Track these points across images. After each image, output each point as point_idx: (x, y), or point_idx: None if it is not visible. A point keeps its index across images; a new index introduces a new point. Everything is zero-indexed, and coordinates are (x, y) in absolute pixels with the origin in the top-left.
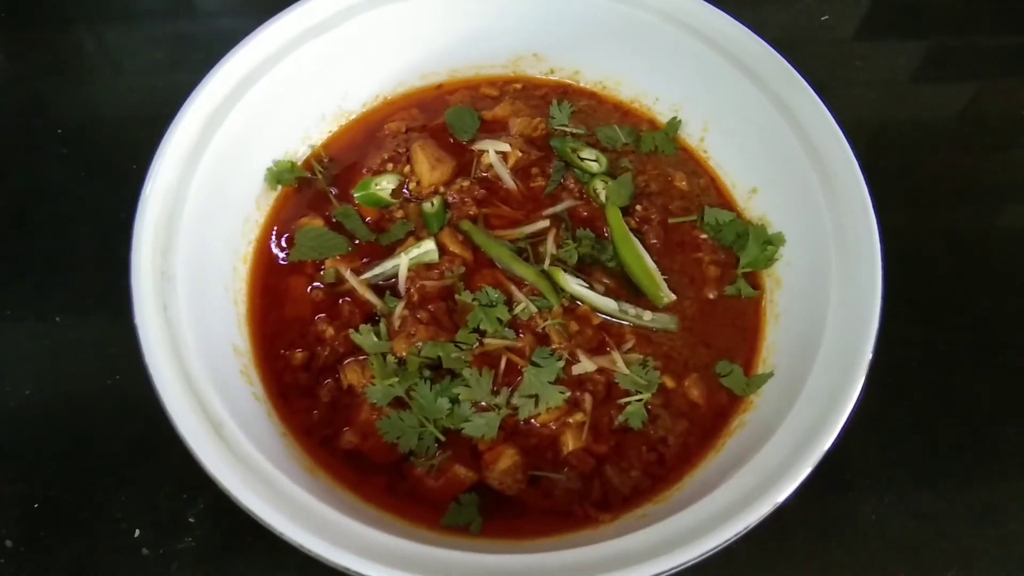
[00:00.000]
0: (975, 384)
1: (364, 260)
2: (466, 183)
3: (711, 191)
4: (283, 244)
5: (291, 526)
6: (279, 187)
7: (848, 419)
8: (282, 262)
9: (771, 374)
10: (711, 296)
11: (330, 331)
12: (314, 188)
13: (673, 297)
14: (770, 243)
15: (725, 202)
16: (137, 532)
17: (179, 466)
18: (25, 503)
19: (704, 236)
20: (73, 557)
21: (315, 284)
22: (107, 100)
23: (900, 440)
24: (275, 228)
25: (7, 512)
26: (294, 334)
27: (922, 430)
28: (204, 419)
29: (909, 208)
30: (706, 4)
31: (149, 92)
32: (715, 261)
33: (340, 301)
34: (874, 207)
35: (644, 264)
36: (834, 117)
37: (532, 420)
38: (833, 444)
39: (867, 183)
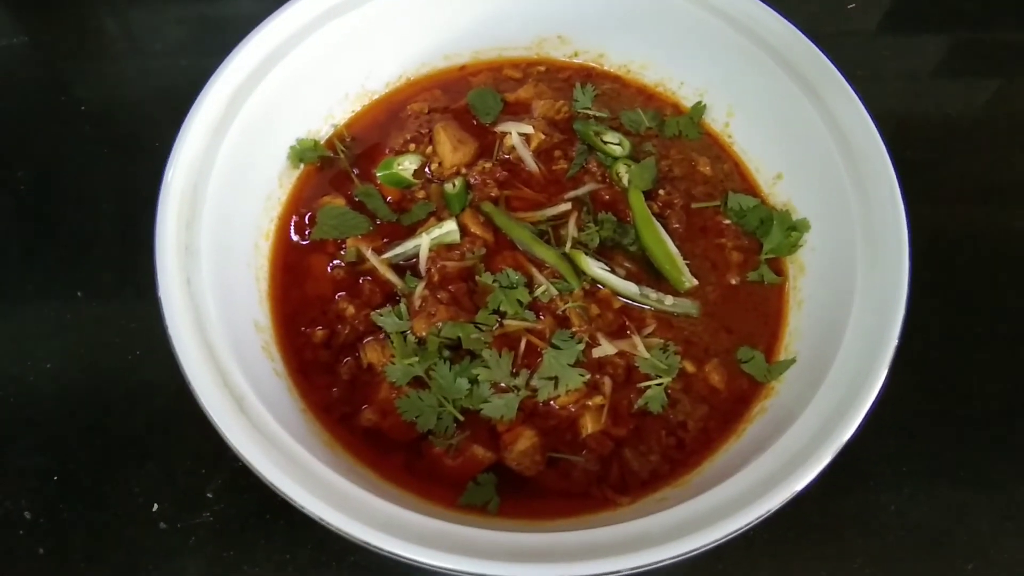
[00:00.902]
0: (997, 377)
1: (385, 240)
2: (488, 165)
3: (735, 176)
4: (305, 222)
5: (312, 499)
6: (302, 165)
7: (869, 408)
8: (304, 240)
9: (793, 360)
10: (733, 282)
11: (351, 310)
12: (336, 167)
13: (695, 282)
14: (794, 229)
15: (749, 187)
16: (155, 506)
17: (198, 441)
18: (44, 475)
19: (727, 221)
20: (91, 530)
21: (336, 263)
22: (130, 80)
23: (921, 431)
24: (297, 206)
25: (26, 484)
26: (315, 312)
27: (944, 422)
28: (226, 393)
29: (931, 202)
30: None
31: (172, 72)
32: (738, 247)
33: (361, 280)
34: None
35: (666, 248)
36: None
37: (551, 402)
38: (854, 433)
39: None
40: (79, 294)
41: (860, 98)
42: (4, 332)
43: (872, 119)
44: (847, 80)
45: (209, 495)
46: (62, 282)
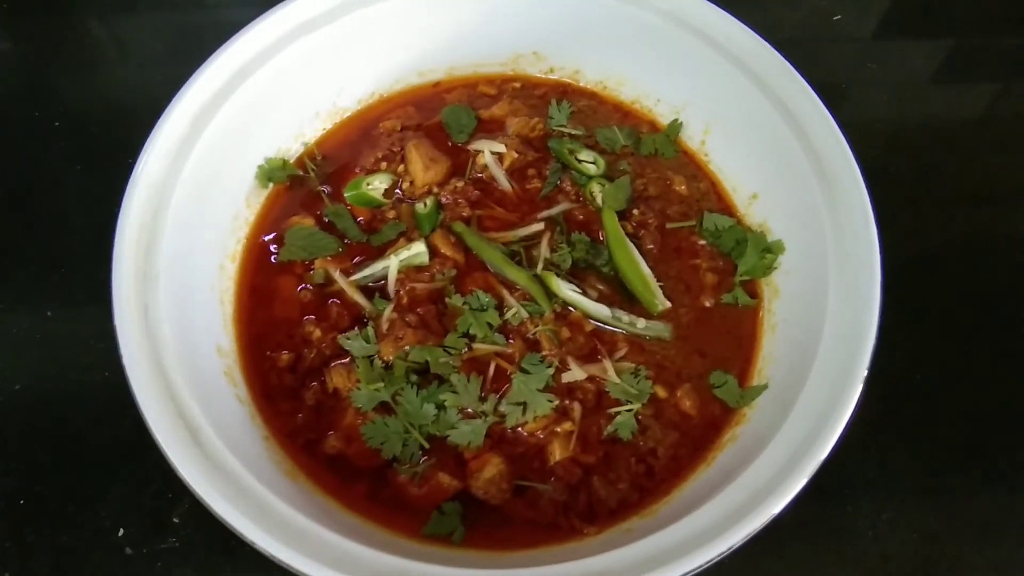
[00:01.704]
0: (981, 396)
1: (355, 261)
2: (460, 184)
3: (711, 196)
4: (273, 243)
5: (261, 534)
6: (271, 185)
7: (846, 430)
8: (272, 261)
9: (766, 386)
10: (707, 304)
11: (317, 333)
12: (306, 186)
13: (668, 304)
14: (769, 251)
15: (725, 207)
16: (121, 531)
17: (165, 466)
18: (11, 498)
19: (702, 242)
20: (56, 554)
21: (304, 285)
22: (108, 91)
23: (901, 453)
24: (265, 227)
25: None
26: (281, 335)
27: (924, 443)
28: (180, 423)
29: (922, 212)
30: (710, 4)
31: (150, 84)
32: (713, 268)
33: (329, 302)
34: (885, 211)
35: (639, 270)
36: (838, 120)
37: (519, 428)
38: (829, 457)
39: (879, 186)
40: (49, 313)
41: (846, 112)
42: None
43: (852, 136)
44: (826, 96)
45: (176, 520)
46: (32, 300)
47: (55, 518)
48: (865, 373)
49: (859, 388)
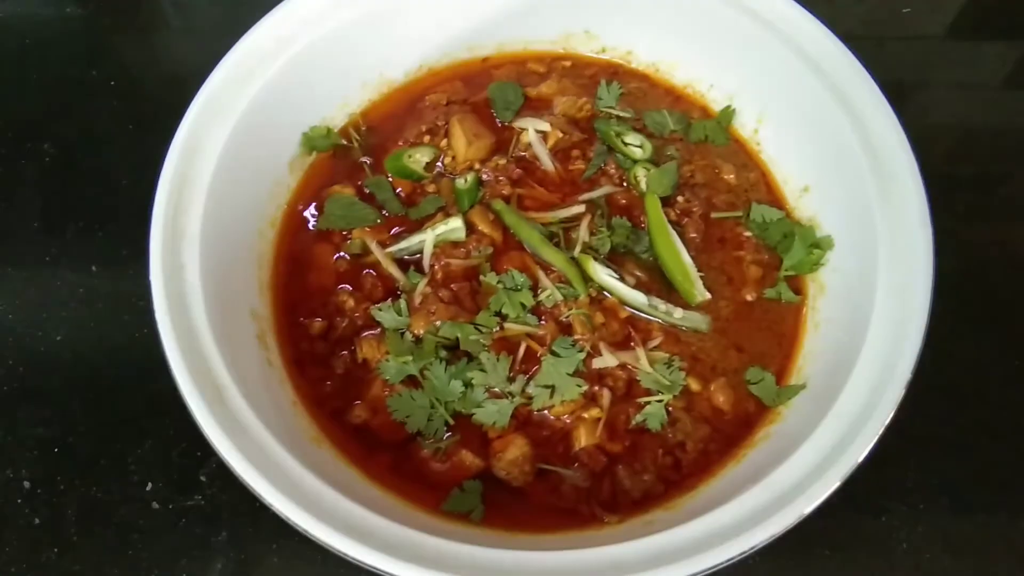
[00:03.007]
0: None
1: (392, 233)
2: (503, 161)
3: (760, 186)
4: (313, 211)
5: (280, 497)
6: (314, 153)
7: (885, 438)
8: (310, 229)
9: (803, 386)
10: (749, 298)
11: (351, 303)
12: (349, 156)
13: (708, 296)
14: (817, 246)
15: (775, 199)
16: (149, 485)
17: (195, 425)
18: (46, 446)
19: (748, 234)
20: (85, 504)
21: (341, 254)
22: (163, 55)
23: (942, 465)
24: (306, 194)
25: (28, 453)
26: (315, 303)
27: (967, 456)
28: (209, 383)
29: (981, 221)
30: None
31: (205, 49)
32: (757, 261)
33: (364, 273)
34: (945, 217)
35: (680, 259)
36: (902, 120)
37: (546, 411)
38: (865, 464)
39: (941, 191)
40: (93, 268)
41: (910, 112)
42: (20, 301)
43: (913, 136)
44: (891, 93)
45: (203, 478)
46: (78, 255)
47: (86, 468)
48: (908, 379)
49: (900, 393)
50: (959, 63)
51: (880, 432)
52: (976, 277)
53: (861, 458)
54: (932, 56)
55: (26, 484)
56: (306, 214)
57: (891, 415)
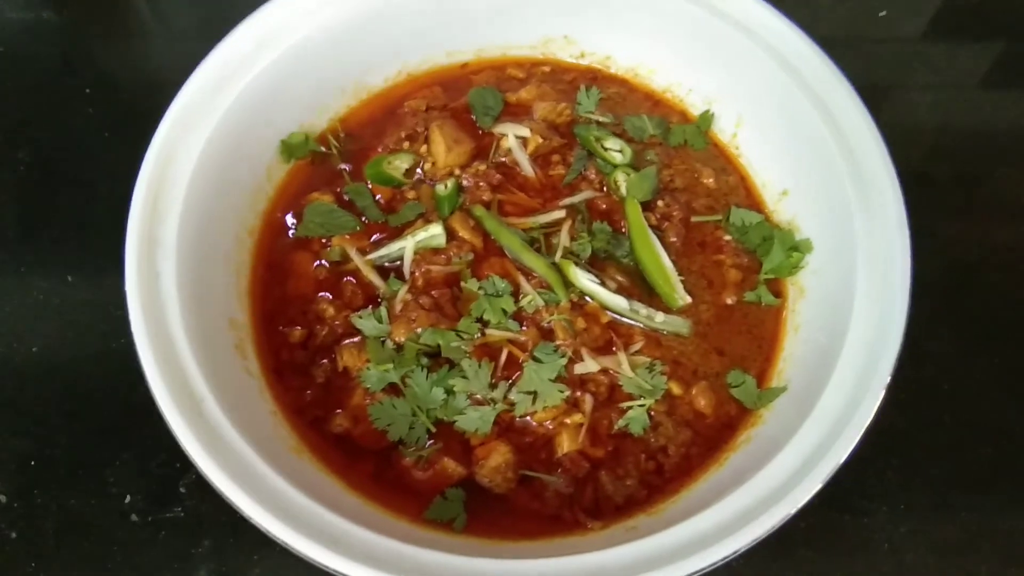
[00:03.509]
0: (1011, 411)
1: (372, 240)
2: (483, 167)
3: (740, 190)
4: (292, 218)
5: (259, 509)
6: (292, 160)
7: (866, 439)
8: (289, 237)
9: (785, 388)
10: (729, 301)
11: (331, 310)
12: (328, 163)
13: (688, 300)
14: (796, 249)
15: (754, 203)
16: (128, 498)
17: (173, 436)
18: (22, 459)
19: (728, 237)
20: (63, 517)
21: (320, 261)
22: (140, 61)
23: (923, 466)
24: (285, 202)
25: (4, 466)
26: (294, 311)
27: (949, 457)
28: (186, 394)
29: (962, 220)
30: None
31: (183, 55)
32: (737, 265)
33: (344, 280)
34: (923, 218)
35: (660, 263)
36: (879, 122)
37: (528, 417)
38: (847, 465)
39: (919, 192)
40: (70, 278)
41: (888, 113)
42: None
43: (891, 138)
44: (867, 97)
45: (182, 490)
46: (54, 265)
47: (64, 481)
48: (888, 380)
49: (880, 395)
50: (936, 65)
51: (861, 434)
52: (955, 276)
53: (843, 460)
54: (909, 58)
55: (2, 498)
56: (285, 222)
57: (872, 417)
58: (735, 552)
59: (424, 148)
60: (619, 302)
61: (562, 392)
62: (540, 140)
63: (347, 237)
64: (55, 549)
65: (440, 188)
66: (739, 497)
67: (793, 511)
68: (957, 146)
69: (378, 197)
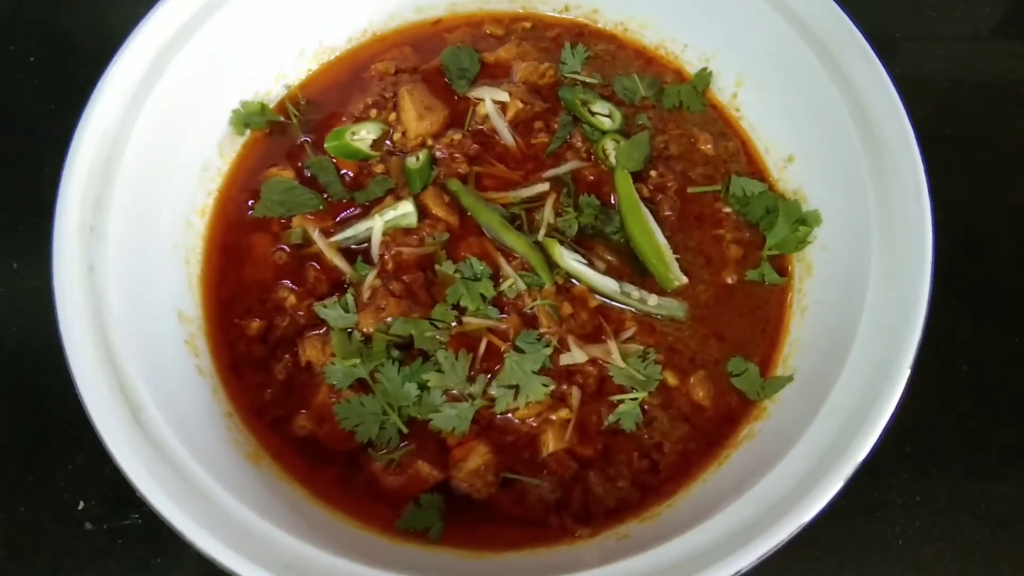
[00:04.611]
0: None
1: (337, 220)
2: (458, 136)
3: (740, 157)
4: (248, 198)
5: (197, 530)
6: (247, 132)
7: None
8: (245, 217)
9: (791, 378)
10: (729, 281)
11: (292, 299)
12: (288, 135)
13: (685, 280)
14: (803, 222)
15: (756, 170)
16: (82, 504)
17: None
18: None
19: (727, 210)
20: (12, 526)
21: (280, 245)
22: (89, 26)
23: (940, 455)
24: (240, 178)
25: None
26: (252, 300)
27: (967, 446)
28: (122, 401)
29: (975, 181)
30: None
31: (129, 24)
32: (738, 240)
33: (306, 265)
34: (934, 178)
35: (654, 240)
36: (893, 79)
37: (510, 414)
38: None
39: (929, 150)
40: (15, 265)
41: (898, 67)
42: None
43: (904, 95)
44: (880, 48)
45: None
46: None
47: (11, 487)
48: (909, 370)
49: (901, 386)
50: (948, 11)
51: (880, 431)
52: (969, 244)
53: (860, 461)
54: (921, 5)
55: None
56: (240, 201)
57: (891, 411)
58: (739, 572)
59: (393, 116)
60: (609, 284)
61: (547, 385)
62: (520, 105)
63: (309, 217)
64: (2, 560)
65: (411, 161)
66: (744, 506)
67: (805, 521)
68: (969, 100)
69: (343, 172)
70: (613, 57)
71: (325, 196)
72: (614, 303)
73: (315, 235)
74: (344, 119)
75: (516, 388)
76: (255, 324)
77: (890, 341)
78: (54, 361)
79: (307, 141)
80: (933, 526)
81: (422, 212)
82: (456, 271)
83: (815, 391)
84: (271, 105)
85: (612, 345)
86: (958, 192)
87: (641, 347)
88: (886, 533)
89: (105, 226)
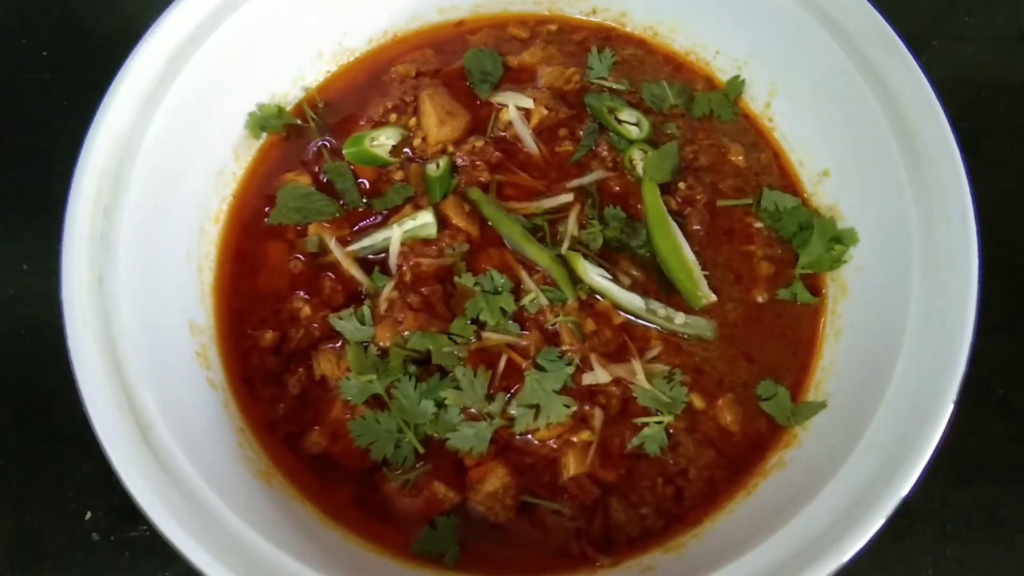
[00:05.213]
0: None
1: (355, 228)
2: (480, 143)
3: (773, 169)
4: (263, 204)
5: (206, 557)
6: (263, 135)
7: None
8: (260, 224)
9: (824, 404)
10: (760, 299)
11: (307, 310)
12: (305, 139)
13: (713, 298)
14: (838, 240)
15: (789, 184)
16: (88, 514)
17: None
18: None
19: (759, 225)
20: (17, 536)
21: (296, 254)
22: (100, 23)
23: (973, 481)
24: (256, 184)
25: None
26: (266, 310)
27: (1000, 471)
28: (131, 420)
29: (1010, 189)
30: None
31: (145, 17)
32: (769, 257)
33: (322, 275)
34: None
35: (682, 255)
36: (932, 85)
37: (530, 435)
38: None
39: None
40: (25, 267)
41: (930, 71)
42: None
43: (941, 98)
44: (913, 51)
45: None
46: (8, 252)
47: (17, 496)
48: (952, 404)
49: (944, 420)
50: (981, 12)
51: (923, 466)
52: (1003, 256)
53: (895, 506)
54: (954, 7)
55: None
56: (256, 207)
57: (934, 446)
58: None
59: (413, 121)
60: (634, 301)
61: (568, 406)
62: (545, 111)
63: (326, 225)
64: (7, 572)
65: (431, 168)
66: (775, 545)
67: (843, 562)
68: (1001, 103)
69: (362, 179)
70: (641, 63)
71: (342, 203)
72: (639, 321)
73: (332, 244)
74: (363, 123)
75: (536, 408)
76: (268, 335)
77: (933, 372)
78: (63, 366)
79: (325, 145)
80: (966, 555)
81: (442, 222)
82: (476, 284)
83: (851, 421)
84: (288, 108)
85: (637, 365)
86: (988, 199)
87: (667, 367)
88: (915, 561)
89: (116, 235)
